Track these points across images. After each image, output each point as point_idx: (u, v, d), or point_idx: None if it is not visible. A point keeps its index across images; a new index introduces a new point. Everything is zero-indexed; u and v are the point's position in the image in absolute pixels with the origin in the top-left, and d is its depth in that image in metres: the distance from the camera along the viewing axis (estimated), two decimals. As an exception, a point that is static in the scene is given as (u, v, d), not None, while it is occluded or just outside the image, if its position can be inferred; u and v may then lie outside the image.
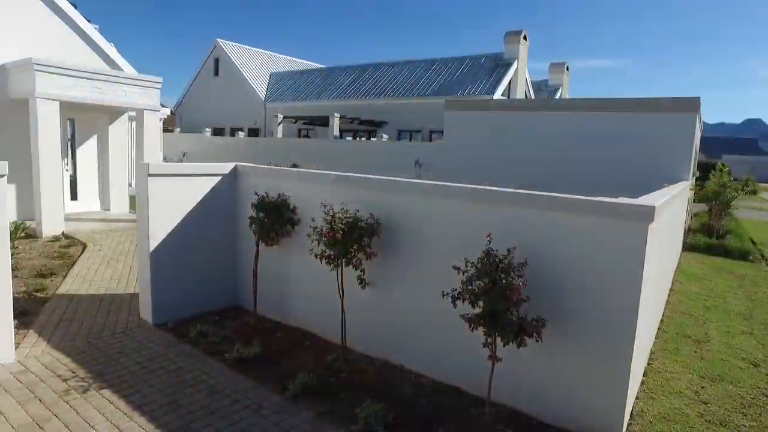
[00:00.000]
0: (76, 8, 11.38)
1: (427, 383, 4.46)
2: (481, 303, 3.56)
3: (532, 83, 24.48)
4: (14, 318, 4.98)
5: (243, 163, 5.96)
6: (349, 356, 4.90)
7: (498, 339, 3.52)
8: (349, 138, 22.59)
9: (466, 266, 3.74)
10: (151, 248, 5.29)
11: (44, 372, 4.33)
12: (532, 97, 23.60)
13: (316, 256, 4.57)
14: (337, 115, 20.15)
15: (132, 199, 13.15)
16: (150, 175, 5.13)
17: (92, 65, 11.09)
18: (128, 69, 12.17)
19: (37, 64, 9.19)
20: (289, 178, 5.49)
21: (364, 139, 25.11)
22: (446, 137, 15.35)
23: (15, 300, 5.89)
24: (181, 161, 24.38)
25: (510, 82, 20.96)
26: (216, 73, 30.09)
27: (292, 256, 5.54)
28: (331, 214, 4.50)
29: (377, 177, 4.82)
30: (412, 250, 4.55)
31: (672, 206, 5.41)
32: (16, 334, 4.98)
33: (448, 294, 3.71)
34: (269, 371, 4.57)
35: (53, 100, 9.45)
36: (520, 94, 21.46)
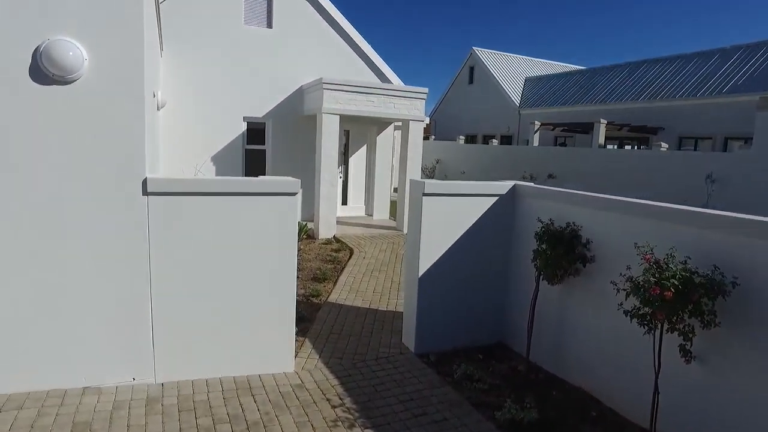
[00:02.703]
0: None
1: None
2: None
3: None
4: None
5: (523, 183, 5.17)
6: (658, 449, 3.64)
7: None
8: (611, 146, 20.01)
9: None
10: (420, 273, 4.91)
11: (317, 391, 4.27)
12: None
13: (626, 312, 3.45)
14: (603, 121, 17.92)
15: (392, 205, 13.79)
16: (425, 194, 4.74)
17: (366, 79, 11.87)
18: (396, 81, 12.72)
19: (326, 83, 10.13)
20: (581, 204, 4.46)
21: (628, 147, 21.99)
22: (758, 145, 12.02)
23: (296, 304, 6.30)
24: (434, 168, 25.25)
25: None
26: (471, 81, 30.43)
27: (580, 299, 4.50)
28: (653, 260, 3.33)
29: (724, 213, 3.43)
30: (785, 327, 3.05)
31: None
32: (295, 341, 5.19)
33: None
34: (550, 448, 3.66)
35: (335, 114, 10.31)
36: None
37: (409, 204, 5.06)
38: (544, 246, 4.46)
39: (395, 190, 17.57)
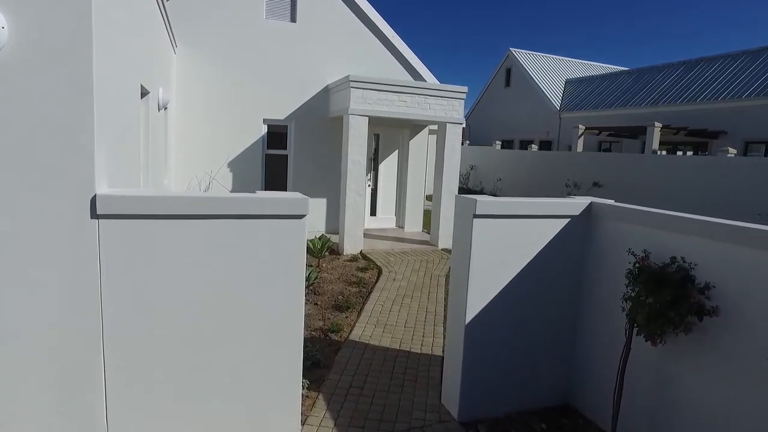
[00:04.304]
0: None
1: None
2: None
3: None
4: (304, 377, 4.11)
5: (603, 201, 3.94)
6: None
7: None
8: (660, 152, 18.32)
9: None
10: (468, 318, 3.74)
11: (326, 482, 3.15)
12: None
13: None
14: (657, 124, 16.32)
15: (426, 215, 12.63)
16: (477, 215, 3.57)
17: (398, 77, 10.77)
18: (431, 79, 11.59)
19: (353, 81, 9.07)
20: (694, 233, 3.21)
21: (680, 153, 20.23)
22: None
23: (311, 341, 5.21)
24: (469, 174, 23.96)
25: None
26: (507, 83, 29.02)
27: (693, 365, 3.25)
28: None
29: None
30: None
31: None
32: (305, 398, 4.10)
33: None
34: None
35: (364, 115, 9.24)
36: None
37: (454, 227, 3.91)
38: (638, 289, 3.25)
39: (428, 197, 16.39)
